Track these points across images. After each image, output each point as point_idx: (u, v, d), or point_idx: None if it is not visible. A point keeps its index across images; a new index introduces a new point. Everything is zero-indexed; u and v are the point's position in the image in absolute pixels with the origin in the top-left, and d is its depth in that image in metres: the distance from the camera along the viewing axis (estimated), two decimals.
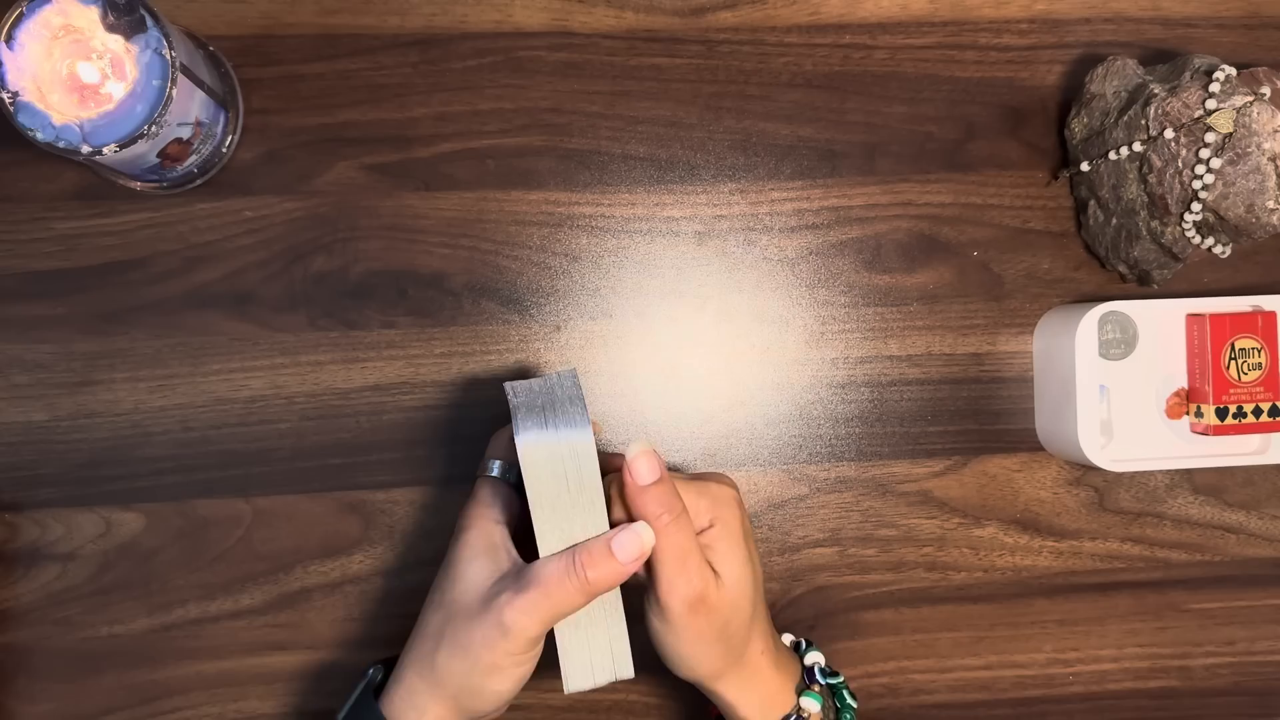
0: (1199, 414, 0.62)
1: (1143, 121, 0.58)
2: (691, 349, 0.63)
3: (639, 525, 0.46)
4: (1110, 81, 0.61)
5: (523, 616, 0.46)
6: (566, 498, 0.47)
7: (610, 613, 0.48)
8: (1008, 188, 0.65)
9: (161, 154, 0.54)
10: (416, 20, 0.61)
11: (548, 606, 0.46)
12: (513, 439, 0.47)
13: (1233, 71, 0.57)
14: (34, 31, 0.50)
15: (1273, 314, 0.61)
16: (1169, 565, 0.65)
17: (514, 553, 0.49)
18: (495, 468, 0.54)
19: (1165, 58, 0.63)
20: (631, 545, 0.46)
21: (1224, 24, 0.66)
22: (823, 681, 0.53)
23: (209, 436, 0.60)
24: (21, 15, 0.50)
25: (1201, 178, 0.57)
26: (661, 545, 0.46)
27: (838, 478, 0.64)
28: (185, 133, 0.54)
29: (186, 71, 0.52)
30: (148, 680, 0.60)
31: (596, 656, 0.48)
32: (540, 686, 0.55)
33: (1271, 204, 0.57)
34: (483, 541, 0.49)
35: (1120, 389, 0.62)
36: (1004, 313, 0.65)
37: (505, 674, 0.47)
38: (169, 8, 0.57)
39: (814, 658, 0.54)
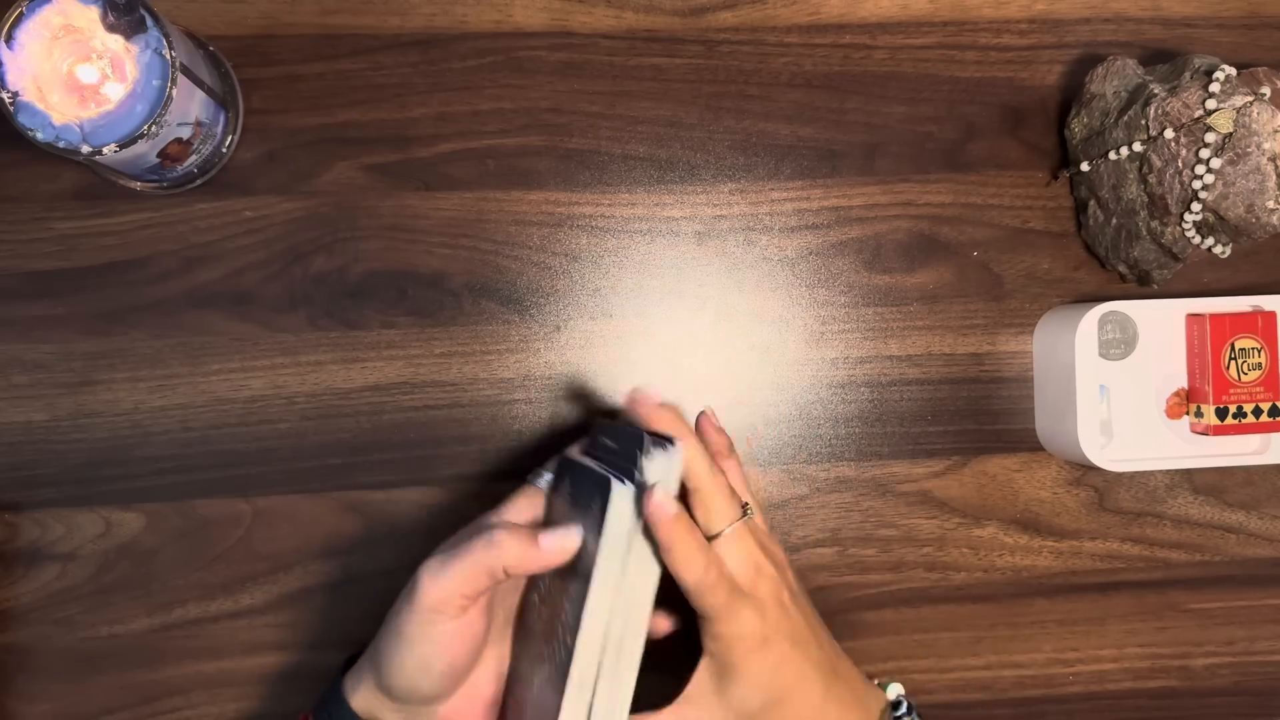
0: (1199, 414, 0.62)
1: (1143, 121, 0.58)
2: (691, 349, 0.63)
3: (571, 527, 0.47)
4: (1110, 81, 0.61)
5: (429, 574, 0.46)
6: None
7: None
8: (1008, 188, 0.65)
9: (161, 154, 0.54)
10: (416, 20, 0.61)
11: (457, 567, 0.46)
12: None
13: (1233, 71, 0.57)
14: (34, 31, 0.50)
15: (1273, 314, 0.61)
16: (1169, 565, 0.65)
17: None
18: (545, 480, 0.51)
19: (1165, 58, 0.63)
20: (556, 540, 0.47)
21: (1224, 24, 0.66)
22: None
23: (209, 436, 0.60)
24: (21, 15, 0.50)
25: (1201, 178, 0.56)
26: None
27: (837, 478, 0.64)
28: (185, 133, 0.54)
29: (186, 71, 0.52)
30: (148, 680, 0.60)
31: None
32: None
33: (1271, 204, 0.57)
34: (460, 539, 0.49)
35: (1120, 389, 0.62)
36: (1004, 313, 0.65)
37: (411, 644, 0.47)
38: (169, 8, 0.57)
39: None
